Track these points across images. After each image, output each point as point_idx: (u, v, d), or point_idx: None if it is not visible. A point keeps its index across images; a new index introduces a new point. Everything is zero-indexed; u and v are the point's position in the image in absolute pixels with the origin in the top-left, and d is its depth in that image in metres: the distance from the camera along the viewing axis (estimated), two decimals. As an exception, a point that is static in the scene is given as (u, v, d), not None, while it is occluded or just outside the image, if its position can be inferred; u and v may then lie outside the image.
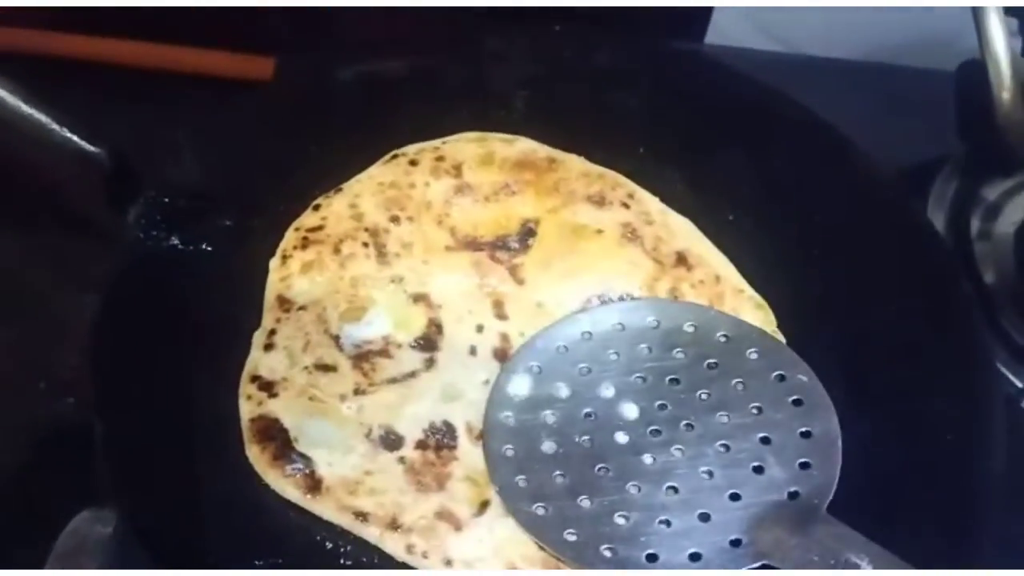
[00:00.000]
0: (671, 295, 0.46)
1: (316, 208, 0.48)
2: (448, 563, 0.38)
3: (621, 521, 0.38)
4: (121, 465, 0.40)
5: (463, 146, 0.51)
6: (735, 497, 0.38)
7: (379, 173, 0.50)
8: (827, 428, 0.40)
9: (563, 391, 0.42)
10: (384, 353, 0.44)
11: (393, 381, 0.43)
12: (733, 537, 0.37)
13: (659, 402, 0.41)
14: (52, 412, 0.48)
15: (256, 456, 0.41)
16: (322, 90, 0.52)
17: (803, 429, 0.40)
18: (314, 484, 0.40)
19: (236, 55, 0.66)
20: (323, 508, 0.39)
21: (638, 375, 0.42)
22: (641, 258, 0.47)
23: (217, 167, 0.49)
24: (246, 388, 0.42)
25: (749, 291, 0.47)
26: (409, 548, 0.39)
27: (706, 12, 0.67)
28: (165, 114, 0.62)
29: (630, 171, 0.50)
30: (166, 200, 0.46)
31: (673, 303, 0.45)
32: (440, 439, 0.42)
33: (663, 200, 0.50)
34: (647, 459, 0.40)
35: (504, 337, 0.45)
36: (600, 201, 0.49)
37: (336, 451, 0.41)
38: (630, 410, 0.41)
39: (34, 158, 0.51)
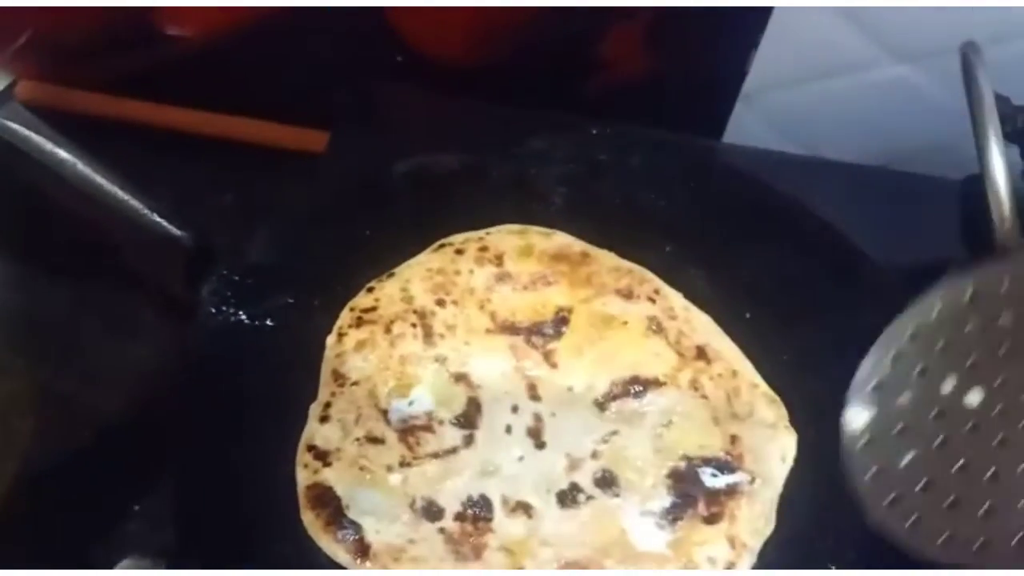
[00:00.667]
0: (691, 387, 0.50)
1: (370, 290, 0.52)
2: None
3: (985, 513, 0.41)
4: (186, 522, 0.44)
5: (505, 237, 0.55)
6: None
7: (427, 260, 0.54)
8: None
9: (905, 399, 0.42)
10: (428, 428, 0.48)
11: (435, 456, 0.47)
12: None
13: (999, 378, 0.42)
14: (92, 459, 0.51)
15: (311, 521, 0.44)
16: (377, 179, 0.57)
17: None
18: (363, 550, 0.44)
19: (288, 126, 0.71)
20: (370, 573, 0.43)
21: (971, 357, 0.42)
22: (665, 349, 0.51)
23: (280, 246, 0.54)
24: (303, 457, 0.47)
25: (763, 386, 0.51)
26: (448, 614, 0.42)
27: (725, 111, 0.72)
28: (213, 180, 0.66)
29: (657, 267, 0.54)
30: (236, 278, 0.51)
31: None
32: (477, 512, 0.46)
33: (686, 296, 0.53)
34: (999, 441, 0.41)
35: (537, 417, 0.49)
36: (628, 294, 0.53)
37: (383, 519, 0.45)
38: (975, 396, 0.42)
39: (112, 228, 0.56)
